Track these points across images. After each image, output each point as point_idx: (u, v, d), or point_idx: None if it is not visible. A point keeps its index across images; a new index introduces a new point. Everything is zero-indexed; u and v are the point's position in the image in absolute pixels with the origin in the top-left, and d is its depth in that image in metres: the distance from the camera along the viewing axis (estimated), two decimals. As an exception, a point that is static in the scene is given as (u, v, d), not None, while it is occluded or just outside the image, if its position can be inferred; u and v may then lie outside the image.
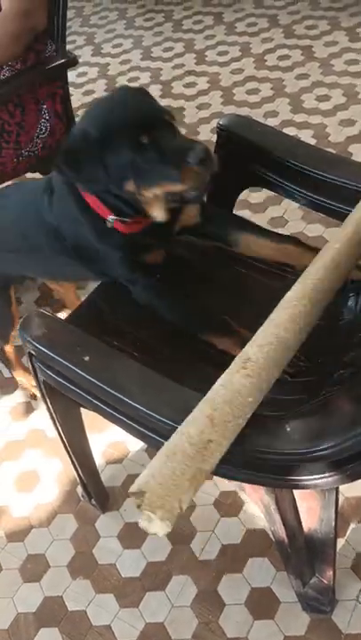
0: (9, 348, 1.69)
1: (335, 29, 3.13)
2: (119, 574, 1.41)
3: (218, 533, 1.43)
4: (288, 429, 0.81)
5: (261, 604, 1.31)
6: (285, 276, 1.25)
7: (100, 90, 3.10)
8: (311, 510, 1.12)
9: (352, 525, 1.38)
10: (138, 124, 1.02)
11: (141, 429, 0.92)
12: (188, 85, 2.98)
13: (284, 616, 1.28)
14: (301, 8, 3.37)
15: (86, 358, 0.93)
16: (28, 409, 1.78)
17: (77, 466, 1.33)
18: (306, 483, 0.85)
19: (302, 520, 1.13)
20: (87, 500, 1.51)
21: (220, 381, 0.83)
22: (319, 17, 3.26)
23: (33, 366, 1.04)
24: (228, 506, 1.47)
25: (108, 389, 0.90)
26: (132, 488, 0.75)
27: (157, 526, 0.73)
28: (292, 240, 1.23)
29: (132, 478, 1.56)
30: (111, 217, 1.12)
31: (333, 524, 1.12)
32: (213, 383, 1.03)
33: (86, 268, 1.25)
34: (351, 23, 3.14)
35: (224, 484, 1.50)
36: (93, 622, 1.34)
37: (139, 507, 0.74)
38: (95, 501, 1.49)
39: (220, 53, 3.17)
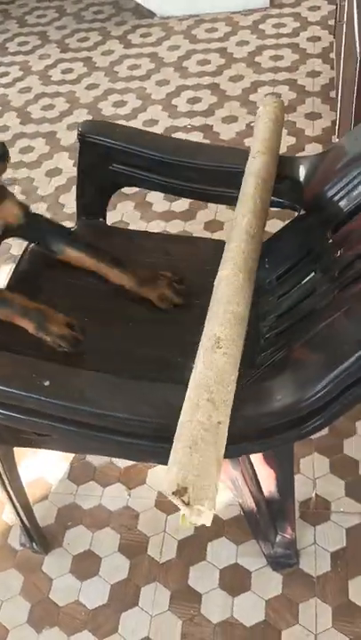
0: None
1: (107, 39, 3.24)
2: (86, 608, 1.34)
3: (170, 532, 1.43)
4: (270, 392, 0.86)
5: (234, 580, 1.34)
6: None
7: None
8: (270, 472, 1.18)
9: (287, 480, 1.47)
10: None
11: (121, 439, 0.90)
12: (-22, 111, 2.87)
13: (258, 583, 1.33)
14: (68, 22, 3.43)
15: (47, 383, 0.87)
16: None
17: (20, 511, 1.24)
18: (291, 437, 0.90)
19: (263, 485, 1.18)
20: (29, 546, 1.41)
21: (201, 365, 0.84)
22: (87, 29, 3.35)
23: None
24: (171, 503, 1.46)
25: (81, 407, 0.86)
26: (171, 487, 0.74)
27: (206, 517, 0.73)
28: (107, 257, 1.27)
29: (63, 511, 1.50)
30: None
31: (291, 478, 1.20)
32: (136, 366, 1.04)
33: None
34: (120, 31, 3.28)
35: (158, 483, 1.51)
36: (77, 665, 1.27)
37: (188, 504, 0.72)
38: (36, 545, 1.40)
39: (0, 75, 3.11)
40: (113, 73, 2.97)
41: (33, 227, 1.29)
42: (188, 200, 2.19)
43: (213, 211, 2.16)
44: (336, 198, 1.14)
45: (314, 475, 1.48)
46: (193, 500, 0.76)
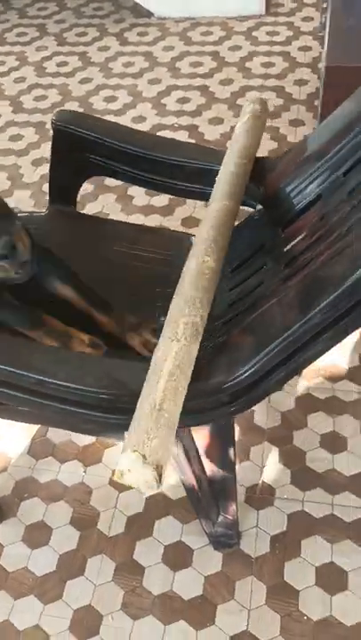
0: None
1: (105, 35, 3.30)
2: (34, 575, 1.40)
3: (120, 508, 1.49)
4: (204, 371, 0.92)
5: (177, 557, 1.40)
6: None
7: None
8: (212, 452, 1.24)
9: (236, 465, 1.54)
10: None
11: (66, 407, 0.96)
12: (-29, 97, 2.93)
13: (199, 560, 1.39)
14: (67, 17, 3.50)
15: (-4, 350, 0.94)
16: None
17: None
18: (223, 414, 0.97)
19: (205, 464, 1.25)
20: (-18, 515, 1.47)
21: (185, 350, 0.89)
22: (86, 24, 3.42)
23: None
24: (123, 481, 1.54)
25: (29, 374, 0.92)
26: (153, 460, 0.78)
27: (159, 480, 0.79)
28: (97, 301, 1.27)
29: (20, 483, 1.56)
30: None
31: (233, 458, 1.26)
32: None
33: None
34: (118, 29, 3.34)
35: (113, 463, 1.57)
36: (20, 627, 1.33)
37: (159, 480, 0.78)
38: (-10, 514, 1.47)
39: (-4, 64, 3.17)
40: (107, 69, 3.03)
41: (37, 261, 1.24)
42: (169, 196, 2.25)
43: (192, 207, 2.23)
44: (291, 195, 1.21)
45: (262, 462, 1.54)
46: (163, 479, 0.81)
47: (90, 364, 0.96)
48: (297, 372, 0.92)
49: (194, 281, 0.98)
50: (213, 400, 0.94)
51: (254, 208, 1.30)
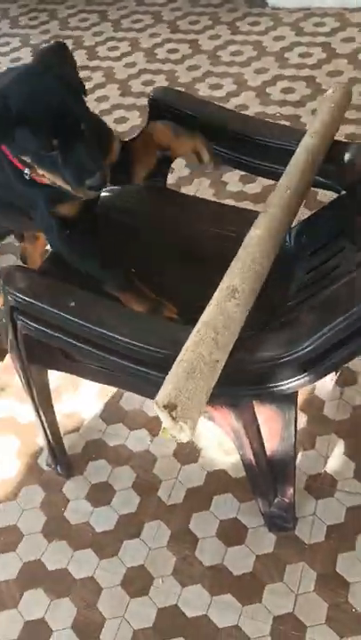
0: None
1: (217, 24, 3.33)
2: (94, 530, 1.47)
3: (181, 479, 1.53)
4: (264, 341, 0.94)
5: (231, 533, 1.43)
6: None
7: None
8: (273, 431, 1.25)
9: (300, 453, 1.53)
10: (53, 126, 1.05)
11: (129, 364, 1.01)
12: (83, 80, 3.04)
13: (253, 539, 1.41)
14: (182, 5, 3.56)
15: (72, 304, 1.00)
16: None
17: (47, 432, 1.38)
18: (281, 387, 0.98)
19: (266, 443, 1.26)
20: (53, 468, 1.56)
21: (215, 308, 0.93)
22: (200, 13, 3.46)
23: (13, 321, 1.09)
24: (187, 455, 1.58)
25: (98, 329, 0.98)
26: (163, 401, 0.83)
27: (186, 434, 0.83)
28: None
29: (90, 444, 1.63)
30: (26, 170, 1.17)
31: (293, 440, 1.26)
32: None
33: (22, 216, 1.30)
34: (230, 18, 3.36)
35: (180, 435, 1.61)
36: (76, 576, 1.40)
37: (174, 419, 0.82)
38: (60, 468, 1.55)
39: (110, 49, 3.28)
40: (215, 57, 3.07)
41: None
42: (262, 183, 2.27)
43: (284, 197, 2.22)
44: (376, 181, 1.19)
45: (327, 453, 1.53)
46: (179, 417, 0.84)
47: (156, 324, 1.00)
48: (359, 353, 0.91)
49: (239, 251, 1.01)
50: (271, 373, 0.95)
51: (339, 193, 1.29)
